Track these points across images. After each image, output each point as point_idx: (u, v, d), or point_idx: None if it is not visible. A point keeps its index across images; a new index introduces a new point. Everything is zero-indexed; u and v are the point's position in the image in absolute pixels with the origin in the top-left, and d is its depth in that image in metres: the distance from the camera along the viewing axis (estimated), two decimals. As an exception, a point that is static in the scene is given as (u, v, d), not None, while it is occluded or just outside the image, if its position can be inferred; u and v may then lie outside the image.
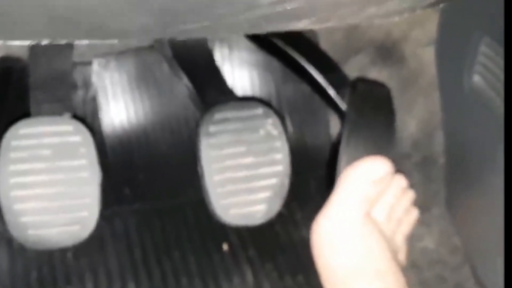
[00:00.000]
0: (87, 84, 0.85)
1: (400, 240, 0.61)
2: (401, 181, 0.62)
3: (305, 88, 0.85)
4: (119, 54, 0.86)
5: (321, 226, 0.58)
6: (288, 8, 0.28)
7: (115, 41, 0.30)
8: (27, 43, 0.30)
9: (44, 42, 0.30)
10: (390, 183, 0.60)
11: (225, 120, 0.68)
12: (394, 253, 0.59)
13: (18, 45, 0.82)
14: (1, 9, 0.26)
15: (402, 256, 0.62)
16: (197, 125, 0.70)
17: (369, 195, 0.58)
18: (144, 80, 0.87)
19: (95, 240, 0.75)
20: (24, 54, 0.82)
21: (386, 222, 0.59)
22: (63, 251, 0.76)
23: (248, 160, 0.68)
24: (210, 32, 0.28)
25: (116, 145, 0.85)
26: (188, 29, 0.29)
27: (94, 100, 0.86)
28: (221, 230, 0.80)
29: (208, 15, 0.28)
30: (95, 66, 0.85)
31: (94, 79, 0.85)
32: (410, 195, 0.63)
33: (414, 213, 0.64)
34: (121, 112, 0.86)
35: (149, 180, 0.85)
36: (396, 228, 0.60)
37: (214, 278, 0.77)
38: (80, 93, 0.84)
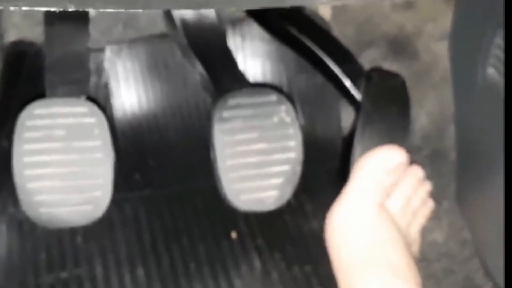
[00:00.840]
0: (99, 71, 0.86)
1: (414, 231, 0.61)
2: (417, 171, 0.61)
3: (318, 80, 0.85)
4: (131, 41, 0.87)
5: (335, 215, 0.58)
6: (316, -21, 0.28)
7: (140, 10, 0.30)
8: (53, 9, 0.30)
9: (70, 8, 0.30)
10: (406, 173, 0.59)
11: (238, 106, 0.69)
12: (408, 245, 0.58)
13: (30, 28, 0.84)
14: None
15: (415, 248, 0.61)
16: (210, 111, 0.71)
17: (384, 184, 0.57)
18: (155, 68, 0.87)
19: (105, 225, 0.76)
20: (37, 38, 0.83)
21: (402, 213, 0.59)
22: (72, 234, 0.77)
23: (261, 146, 0.68)
24: (235, 2, 0.29)
25: (127, 131, 0.86)
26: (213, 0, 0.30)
27: (106, 86, 0.86)
28: (230, 218, 0.80)
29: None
30: (108, 52, 0.86)
31: (107, 65, 0.86)
32: (427, 186, 0.62)
33: (430, 205, 0.63)
34: (133, 99, 0.87)
35: (159, 167, 0.85)
36: (411, 220, 0.60)
37: (222, 266, 0.77)
38: (92, 79, 0.85)
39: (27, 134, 0.64)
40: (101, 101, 0.84)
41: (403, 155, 0.59)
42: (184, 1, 0.29)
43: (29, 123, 0.64)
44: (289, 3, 0.30)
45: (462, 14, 0.75)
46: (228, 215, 0.77)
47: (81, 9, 0.29)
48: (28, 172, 0.63)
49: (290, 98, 0.70)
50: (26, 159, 0.63)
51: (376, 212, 0.57)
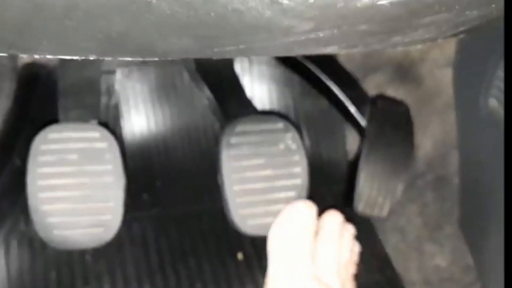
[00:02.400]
0: (110, 92, 0.88)
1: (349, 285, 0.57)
2: (336, 218, 0.57)
3: (323, 103, 0.87)
4: (141, 64, 0.89)
5: None
6: (321, 35, 0.30)
7: (156, 59, 0.32)
8: (75, 58, 0.32)
9: (91, 57, 0.32)
10: (326, 225, 0.56)
11: (246, 133, 0.70)
12: None
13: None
14: (59, 29, 0.28)
15: None
16: (217, 136, 0.72)
17: (305, 249, 0.53)
18: (164, 90, 0.89)
19: (114, 244, 0.77)
20: (49, 61, 0.85)
21: (336, 277, 0.54)
22: (82, 252, 0.78)
23: (267, 172, 0.70)
24: (244, 53, 0.30)
25: (135, 152, 0.87)
26: (225, 51, 0.31)
27: (116, 107, 0.88)
28: (237, 240, 0.81)
29: (246, 40, 0.30)
30: (118, 75, 0.88)
31: (117, 87, 0.88)
32: (350, 229, 0.59)
33: (357, 249, 0.59)
34: (142, 120, 0.88)
35: (166, 187, 0.87)
36: (345, 276, 0.56)
37: (228, 286, 0.78)
38: (103, 100, 0.87)
39: (42, 158, 0.65)
40: (110, 122, 0.86)
41: (309, 208, 0.56)
42: (199, 53, 0.31)
43: (43, 147, 0.66)
44: (296, 53, 0.32)
45: (466, 44, 0.76)
46: (235, 236, 0.78)
47: (101, 58, 0.31)
48: (42, 194, 0.65)
49: (296, 125, 0.72)
50: (40, 182, 0.65)
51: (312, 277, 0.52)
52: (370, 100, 0.78)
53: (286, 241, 0.55)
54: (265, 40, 0.30)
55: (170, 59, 0.31)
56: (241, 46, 0.30)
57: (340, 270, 0.55)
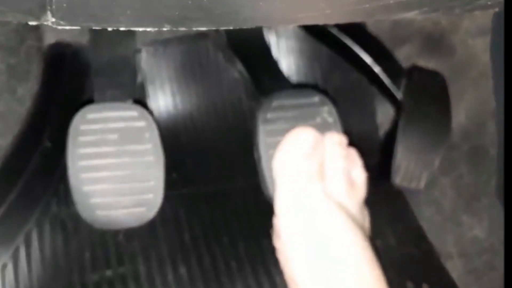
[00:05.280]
0: (136, 71, 0.86)
1: (362, 205, 0.53)
2: (333, 137, 0.54)
3: (352, 77, 0.86)
4: (166, 41, 0.88)
5: (283, 228, 0.51)
6: (410, -2, 0.29)
7: (230, 27, 0.30)
8: (149, 29, 0.31)
9: (166, 28, 0.31)
10: (327, 146, 0.53)
11: (282, 107, 0.69)
12: (362, 228, 0.50)
13: (67, 30, 0.84)
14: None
15: (367, 223, 0.53)
16: (245, 112, 0.71)
17: (312, 170, 0.50)
18: (190, 67, 0.88)
19: (146, 224, 0.77)
20: (74, 40, 0.83)
21: (347, 195, 0.51)
22: (115, 233, 0.78)
23: None
24: (328, 19, 0.29)
25: (163, 130, 0.86)
26: (308, 16, 0.30)
27: (142, 86, 0.87)
28: (269, 216, 0.81)
29: (335, 3, 0.28)
30: (144, 53, 0.87)
31: (143, 66, 0.87)
32: (353, 150, 0.55)
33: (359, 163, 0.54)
34: (168, 99, 0.87)
35: (196, 166, 0.86)
36: (357, 195, 0.52)
37: (263, 263, 0.78)
38: None
39: (82, 138, 0.65)
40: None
41: (310, 131, 0.52)
42: (281, 19, 0.30)
43: (83, 127, 0.65)
44: (378, 18, 0.31)
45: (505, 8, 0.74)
46: (267, 213, 0.77)
47: (175, 29, 0.30)
48: (84, 175, 0.64)
49: (332, 98, 0.71)
50: (81, 162, 0.64)
51: (325, 209, 0.49)
52: (405, 71, 0.77)
53: (291, 162, 0.52)
54: (353, 4, 0.28)
55: (245, 26, 0.29)
56: (327, 11, 0.29)
57: (355, 189, 0.52)
